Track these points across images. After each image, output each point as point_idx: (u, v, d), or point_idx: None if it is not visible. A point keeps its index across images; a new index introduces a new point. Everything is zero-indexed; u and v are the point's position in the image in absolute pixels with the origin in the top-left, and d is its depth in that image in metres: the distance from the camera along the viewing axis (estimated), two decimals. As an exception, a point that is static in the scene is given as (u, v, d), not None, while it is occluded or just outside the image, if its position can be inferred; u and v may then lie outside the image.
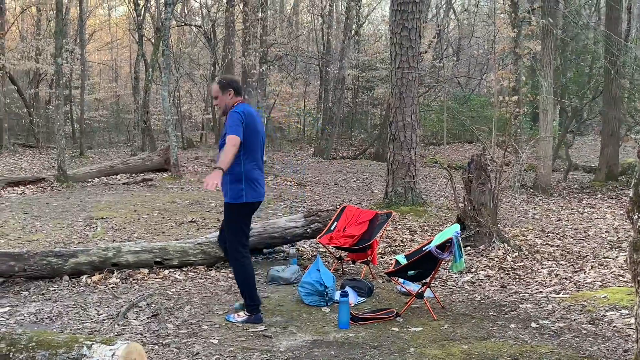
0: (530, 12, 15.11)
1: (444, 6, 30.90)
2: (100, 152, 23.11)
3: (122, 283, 6.26)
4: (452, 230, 5.20)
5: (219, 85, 4.97)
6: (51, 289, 6.03)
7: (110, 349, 3.00)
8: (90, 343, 3.08)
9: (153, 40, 22.33)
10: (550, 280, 6.49)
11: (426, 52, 24.28)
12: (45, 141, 24.37)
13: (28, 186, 13.33)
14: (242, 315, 5.02)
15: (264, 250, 7.63)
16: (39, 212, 10.45)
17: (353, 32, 24.31)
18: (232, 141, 4.68)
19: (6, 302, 5.58)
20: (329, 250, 7.31)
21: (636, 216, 2.07)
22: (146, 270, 6.56)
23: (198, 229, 9.30)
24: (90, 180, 14.78)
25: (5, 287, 6.08)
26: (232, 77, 5.42)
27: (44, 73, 24.73)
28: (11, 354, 3.18)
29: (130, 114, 26.91)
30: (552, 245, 8.20)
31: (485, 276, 6.69)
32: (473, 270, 6.90)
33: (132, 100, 25.51)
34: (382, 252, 7.84)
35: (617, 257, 7.39)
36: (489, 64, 24.13)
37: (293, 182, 15.44)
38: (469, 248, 7.51)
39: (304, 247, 8.04)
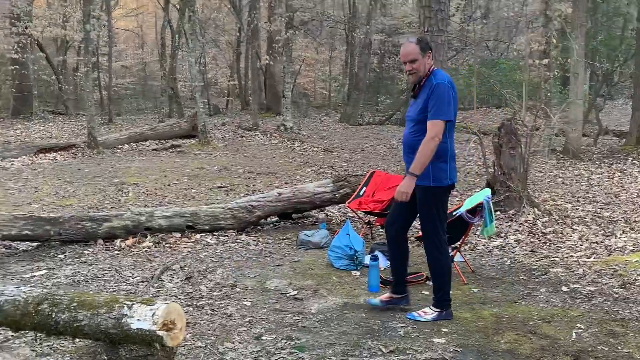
0: (562, -28, 14.73)
1: (473, -33, 30.20)
2: (129, 119, 23.26)
3: (155, 247, 6.37)
4: (482, 195, 5.18)
5: (419, 46, 4.07)
6: (86, 252, 6.16)
7: (151, 309, 3.06)
8: (131, 303, 3.14)
9: (179, 7, 22.24)
10: (581, 245, 6.46)
11: (454, 14, 23.87)
12: (74, 108, 24.58)
13: (59, 152, 13.51)
14: (430, 312, 4.28)
15: (293, 215, 7.69)
16: (71, 177, 10.62)
17: (380, -5, 23.97)
18: (436, 130, 3.96)
19: (43, 265, 5.72)
20: (358, 215, 7.33)
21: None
22: (178, 235, 6.67)
23: (227, 194, 9.39)
24: (120, 146, 14.92)
25: (41, 251, 6.22)
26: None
27: (71, 40, 24.82)
28: (54, 314, 3.26)
29: (157, 81, 26.99)
30: (582, 210, 8.14)
31: (515, 241, 6.68)
32: (503, 234, 6.89)
33: (158, 67, 25.57)
34: (411, 217, 7.83)
35: (650, 222, 7.32)
36: (519, 26, 23.63)
37: (320, 148, 15.44)
38: (498, 213, 7.48)
39: (332, 212, 8.08)
